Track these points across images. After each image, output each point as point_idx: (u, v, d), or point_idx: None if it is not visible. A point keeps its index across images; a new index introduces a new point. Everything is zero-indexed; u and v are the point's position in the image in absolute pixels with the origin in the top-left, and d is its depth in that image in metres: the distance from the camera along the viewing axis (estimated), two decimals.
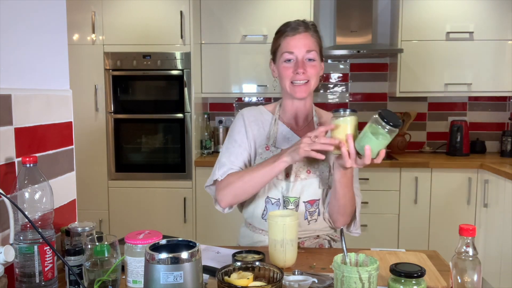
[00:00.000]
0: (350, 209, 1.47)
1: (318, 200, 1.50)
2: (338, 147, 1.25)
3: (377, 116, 1.18)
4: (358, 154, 1.24)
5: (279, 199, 1.50)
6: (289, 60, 1.46)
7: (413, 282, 0.94)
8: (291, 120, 1.57)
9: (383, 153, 1.22)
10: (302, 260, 1.33)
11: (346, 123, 1.24)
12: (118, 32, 3.28)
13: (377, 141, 1.19)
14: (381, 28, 3.74)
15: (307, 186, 1.49)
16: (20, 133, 1.16)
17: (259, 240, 1.54)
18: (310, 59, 1.46)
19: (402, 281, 0.95)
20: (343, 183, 1.38)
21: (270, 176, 1.39)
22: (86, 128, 3.32)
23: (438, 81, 3.46)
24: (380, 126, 1.18)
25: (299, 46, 1.45)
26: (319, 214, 1.51)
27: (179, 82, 3.30)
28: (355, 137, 1.24)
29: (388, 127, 1.17)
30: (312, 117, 1.57)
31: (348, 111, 1.25)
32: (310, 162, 1.49)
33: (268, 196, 1.51)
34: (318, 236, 1.55)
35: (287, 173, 1.49)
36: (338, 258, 0.99)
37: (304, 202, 1.49)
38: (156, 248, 0.95)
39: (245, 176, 1.42)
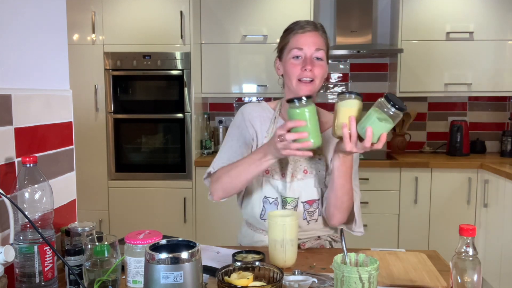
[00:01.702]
0: (347, 204, 1.43)
1: (318, 200, 1.49)
2: (340, 129, 1.23)
3: (383, 99, 1.17)
4: (360, 139, 1.22)
5: (276, 198, 1.49)
6: (297, 57, 1.44)
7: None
8: None
9: (384, 138, 1.20)
10: (302, 260, 1.33)
11: (350, 106, 1.23)
12: (118, 32, 3.28)
13: (380, 123, 1.17)
14: (381, 28, 3.74)
15: (304, 186, 1.48)
16: (20, 133, 1.16)
17: (260, 240, 1.54)
18: (318, 58, 1.44)
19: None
20: (341, 172, 1.36)
21: (257, 173, 1.38)
22: (86, 128, 3.32)
23: (438, 81, 3.46)
24: (385, 109, 1.16)
25: (309, 43, 1.43)
26: (319, 214, 1.50)
27: (179, 82, 3.30)
28: (358, 121, 1.22)
29: (393, 110, 1.15)
30: None
31: (354, 94, 1.23)
32: (308, 161, 1.49)
33: (265, 196, 1.50)
34: (319, 237, 1.54)
35: (283, 173, 1.48)
36: (338, 258, 0.99)
37: (302, 202, 1.48)
38: (156, 248, 0.95)
39: (232, 171, 1.40)
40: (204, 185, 3.45)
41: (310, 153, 1.24)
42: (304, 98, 1.22)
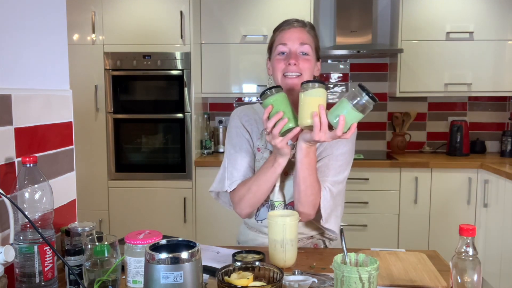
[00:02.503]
0: (312, 199, 1.38)
1: None
2: (308, 118, 1.22)
3: (357, 88, 1.17)
4: (330, 128, 1.22)
5: (268, 201, 1.50)
6: (282, 53, 1.45)
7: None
8: None
9: (354, 127, 1.19)
10: (302, 260, 1.33)
11: (318, 95, 1.22)
12: (118, 32, 3.28)
13: (353, 112, 1.17)
14: (381, 28, 3.74)
15: (287, 188, 1.48)
16: (20, 133, 1.16)
17: (254, 238, 1.56)
18: (303, 53, 1.44)
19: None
20: (304, 164, 1.34)
21: (275, 178, 1.41)
22: (86, 128, 3.32)
23: (438, 81, 3.46)
24: (358, 98, 1.16)
25: (293, 38, 1.44)
26: None
27: (179, 82, 3.30)
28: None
29: (366, 98, 1.15)
30: None
31: (319, 83, 1.22)
32: (288, 163, 1.47)
33: None
34: (312, 236, 1.54)
35: None
36: (338, 258, 0.99)
37: (286, 205, 1.49)
38: (156, 248, 0.95)
39: (253, 187, 1.43)
40: (204, 186, 3.44)
41: (298, 129, 1.25)
42: (275, 88, 1.26)
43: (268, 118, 1.25)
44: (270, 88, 1.26)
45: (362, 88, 1.16)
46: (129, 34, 3.27)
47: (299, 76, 1.42)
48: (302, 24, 1.48)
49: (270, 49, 1.53)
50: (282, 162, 1.36)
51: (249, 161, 1.52)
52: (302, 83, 1.24)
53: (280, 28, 1.49)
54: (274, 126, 1.24)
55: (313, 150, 1.34)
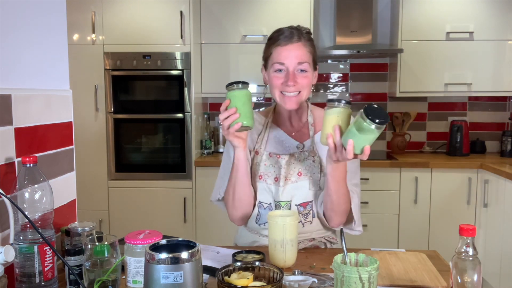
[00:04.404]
0: (344, 207, 1.41)
1: (311, 201, 1.48)
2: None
3: (362, 113, 1.15)
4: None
5: (270, 203, 1.49)
6: (279, 70, 1.44)
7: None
8: (286, 122, 1.56)
9: (367, 150, 1.19)
10: (302, 260, 1.33)
11: (335, 115, 1.22)
12: (118, 32, 3.28)
13: (361, 136, 1.16)
14: (381, 28, 3.74)
15: (298, 188, 1.47)
16: (20, 133, 1.16)
17: (255, 240, 1.55)
18: (302, 70, 1.43)
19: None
20: (335, 177, 1.35)
21: (242, 173, 1.42)
22: (86, 128, 3.32)
23: (438, 81, 3.46)
24: (364, 123, 1.14)
25: (291, 57, 1.41)
26: (314, 216, 1.49)
27: (179, 82, 3.30)
28: (345, 130, 1.22)
29: (373, 126, 1.13)
30: (307, 118, 1.55)
31: (342, 102, 1.22)
32: (302, 163, 1.48)
33: (260, 201, 1.50)
34: (313, 238, 1.53)
35: (276, 177, 1.48)
36: (338, 258, 0.99)
37: (296, 205, 1.47)
38: (156, 248, 0.95)
39: (230, 189, 1.46)
40: (204, 186, 3.44)
41: (237, 127, 1.28)
42: (237, 84, 1.30)
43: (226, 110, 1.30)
44: (236, 83, 1.29)
45: (367, 113, 1.12)
46: (129, 34, 3.27)
47: (298, 93, 1.44)
48: (298, 36, 1.43)
49: (266, 59, 1.50)
50: (238, 156, 1.39)
51: None
52: (328, 100, 1.24)
53: (276, 42, 1.44)
54: (225, 119, 1.29)
55: (343, 164, 1.34)
